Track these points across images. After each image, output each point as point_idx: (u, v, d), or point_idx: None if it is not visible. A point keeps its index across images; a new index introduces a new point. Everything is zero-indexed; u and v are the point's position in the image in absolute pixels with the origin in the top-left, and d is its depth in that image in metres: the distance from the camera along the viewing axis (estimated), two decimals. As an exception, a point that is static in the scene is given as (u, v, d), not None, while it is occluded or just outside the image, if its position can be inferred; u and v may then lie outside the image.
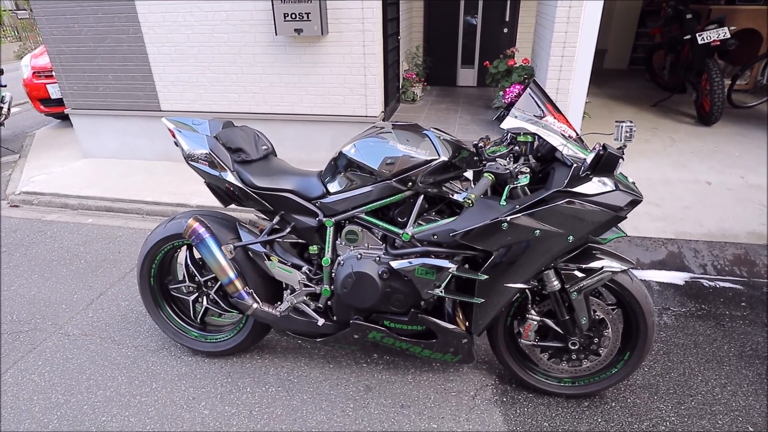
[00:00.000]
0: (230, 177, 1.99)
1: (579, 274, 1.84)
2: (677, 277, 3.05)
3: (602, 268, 1.81)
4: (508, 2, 6.28)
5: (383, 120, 4.70)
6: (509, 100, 4.28)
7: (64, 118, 6.46)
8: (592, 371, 2.05)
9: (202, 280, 2.27)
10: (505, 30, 6.42)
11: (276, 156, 2.25)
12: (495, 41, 6.51)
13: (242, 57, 4.37)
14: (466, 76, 6.88)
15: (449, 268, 1.77)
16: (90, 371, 2.36)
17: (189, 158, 2.03)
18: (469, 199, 1.52)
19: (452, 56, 6.79)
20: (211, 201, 4.01)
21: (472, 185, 1.87)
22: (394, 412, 2.10)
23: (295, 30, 3.99)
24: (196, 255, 2.28)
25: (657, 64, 7.06)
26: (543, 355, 2.07)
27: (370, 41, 4.10)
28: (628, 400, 2.13)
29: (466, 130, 4.71)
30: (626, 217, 1.68)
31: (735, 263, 3.15)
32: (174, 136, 2.06)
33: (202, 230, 2.02)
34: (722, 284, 2.98)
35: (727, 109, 5.41)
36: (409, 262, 1.81)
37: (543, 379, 2.11)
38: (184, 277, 2.33)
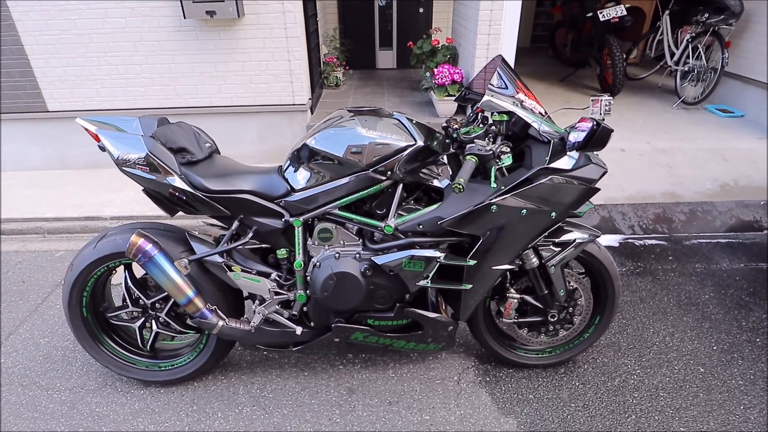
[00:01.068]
0: (177, 182, 1.72)
1: (554, 249, 1.87)
2: (613, 240, 3.30)
3: (574, 240, 1.86)
4: (422, -17, 6.28)
5: (311, 108, 4.48)
6: (441, 81, 4.29)
7: None
8: (567, 339, 2.13)
9: (148, 302, 1.98)
10: (421, 10, 6.42)
11: (219, 153, 2.01)
12: (412, 22, 6.49)
13: (145, 45, 3.87)
14: (386, 59, 6.81)
15: (438, 257, 1.70)
16: (17, 427, 1.96)
17: (122, 163, 1.72)
18: (459, 185, 1.45)
19: (370, 38, 6.66)
20: (130, 209, 3.59)
21: (449, 170, 1.81)
22: (383, 411, 2.02)
23: (207, 12, 3.61)
24: (137, 274, 1.98)
25: (559, 41, 7.55)
26: (522, 331, 2.10)
27: (292, 23, 3.83)
28: (598, 361, 2.25)
29: (405, 113, 4.66)
30: (600, 189, 1.73)
31: (656, 221, 3.48)
32: (98, 139, 1.73)
33: (149, 247, 1.74)
34: (650, 242, 3.28)
35: (624, 81, 5.94)
36: (395, 256, 1.71)
37: (523, 354, 2.16)
38: (124, 301, 2.01)
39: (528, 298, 1.99)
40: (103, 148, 1.77)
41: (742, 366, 2.22)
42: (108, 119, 1.81)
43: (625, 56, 6.00)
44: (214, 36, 3.86)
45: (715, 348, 2.32)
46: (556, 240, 1.87)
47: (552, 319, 2.02)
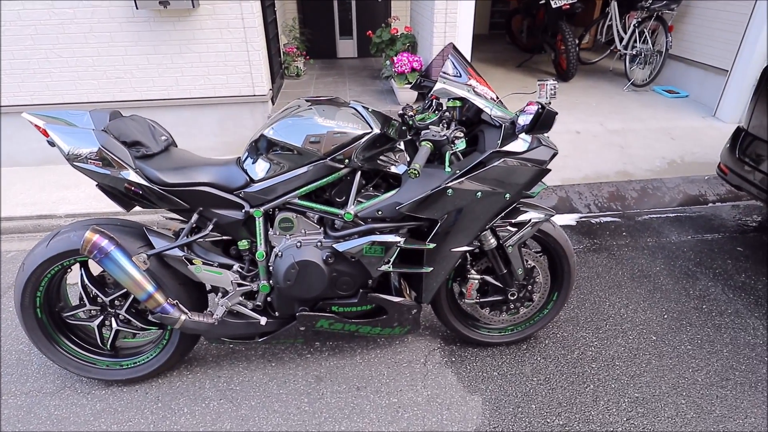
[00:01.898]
0: (132, 176, 1.69)
1: (511, 229, 1.94)
2: (570, 219, 3.43)
3: (530, 220, 1.93)
4: (379, -28, 6.26)
5: (272, 98, 4.42)
6: (400, 69, 4.31)
7: None
8: (528, 316, 2.22)
9: (107, 300, 1.94)
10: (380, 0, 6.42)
11: (176, 146, 1.97)
12: (371, 11, 6.48)
13: (96, 36, 3.72)
14: (346, 48, 6.77)
15: (398, 242, 1.74)
16: (-29, 437, 1.91)
17: (73, 159, 1.67)
18: (414, 170, 1.49)
19: (330, 27, 6.60)
20: (85, 206, 3.47)
21: (406, 156, 1.84)
22: (352, 396, 2.06)
23: (160, 3, 3.50)
24: (94, 271, 1.93)
25: (515, 28, 7.69)
26: (484, 310, 2.17)
27: (249, 13, 3.77)
28: (558, 335, 2.35)
29: (362, 102, 4.66)
30: (551, 170, 1.80)
31: (611, 200, 3.63)
32: (46, 134, 1.67)
33: (104, 242, 1.70)
34: (605, 219, 3.43)
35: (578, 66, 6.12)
36: (355, 243, 1.73)
37: (486, 333, 2.23)
38: (81, 300, 1.96)
39: (488, 278, 2.06)
40: (52, 144, 1.71)
41: (690, 332, 2.37)
42: (57, 113, 1.75)
43: (577, 42, 6.18)
44: (169, 27, 3.75)
45: (665, 317, 2.47)
46: (513, 221, 1.94)
47: (512, 298, 2.10)
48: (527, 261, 2.07)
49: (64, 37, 3.69)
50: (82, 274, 1.91)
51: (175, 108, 4.07)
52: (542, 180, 1.88)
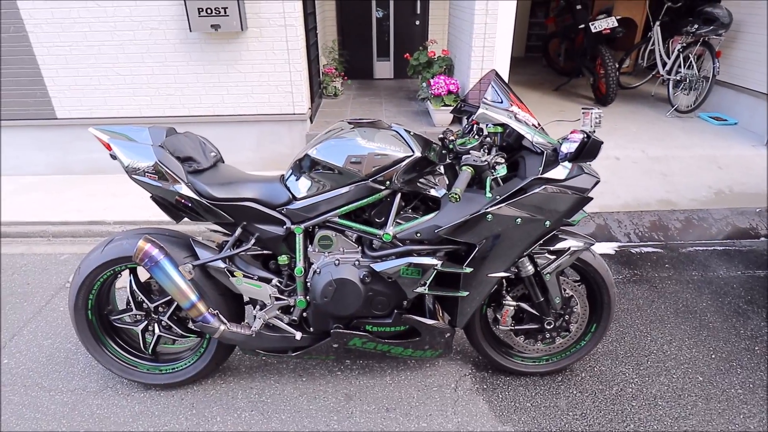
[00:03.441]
0: (184, 189, 1.77)
1: (550, 257, 1.92)
2: (609, 247, 3.34)
3: (569, 248, 1.90)
4: (418, -4, 6.40)
5: (311, 117, 4.55)
6: (437, 91, 4.36)
7: None
8: (564, 347, 2.16)
9: (151, 306, 2.02)
10: (417, 23, 6.54)
11: (224, 162, 2.06)
12: (408, 33, 6.61)
13: (152, 56, 3.95)
14: (383, 69, 6.91)
15: (435, 264, 1.75)
16: (20, 427, 2.00)
17: (132, 171, 1.77)
18: (455, 194, 1.50)
19: (368, 49, 6.77)
20: (132, 214, 3.63)
21: (446, 179, 1.86)
22: (381, 417, 2.05)
23: (212, 26, 3.69)
24: (142, 278, 2.03)
25: (553, 51, 7.67)
26: (519, 338, 2.13)
27: (293, 36, 3.92)
28: (595, 369, 2.28)
29: (396, 123, 4.73)
30: (593, 198, 1.78)
31: (652, 229, 3.53)
32: (109, 148, 1.79)
33: (155, 252, 1.79)
34: (646, 249, 3.32)
35: (618, 90, 6.02)
36: (393, 263, 1.75)
37: (520, 361, 2.19)
38: (128, 304, 2.05)
39: (524, 305, 2.03)
40: (114, 157, 1.82)
41: (741, 374, 2.23)
42: (119, 129, 1.87)
43: (617, 66, 6.10)
44: (218, 48, 3.95)
45: (713, 356, 2.35)
46: (551, 248, 1.91)
47: (548, 327, 2.05)
48: (565, 290, 2.04)
49: (124, 56, 3.95)
50: (130, 280, 2.01)
51: (218, 124, 4.26)
52: (583, 208, 1.86)
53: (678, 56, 5.39)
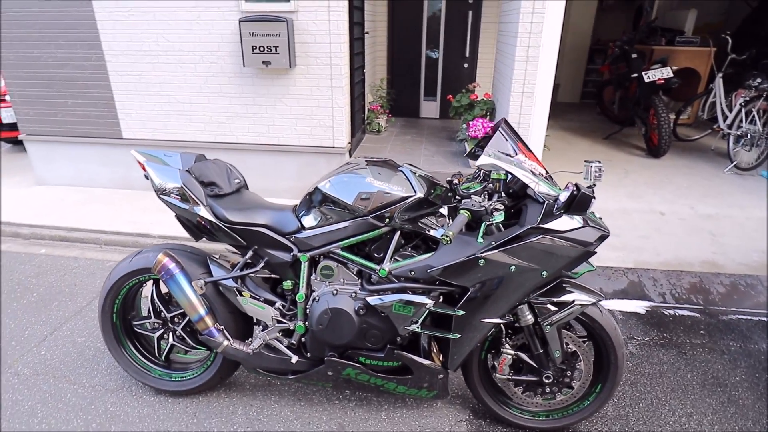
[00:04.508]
0: (203, 211, 1.94)
1: (551, 308, 1.87)
2: (639, 306, 3.17)
3: (573, 301, 1.86)
4: (468, 39, 6.56)
5: (350, 151, 4.74)
6: (473, 133, 4.43)
7: (17, 143, 6.16)
8: (565, 404, 2.08)
9: (168, 316, 2.18)
10: (466, 65, 6.69)
11: (248, 189, 2.22)
12: (456, 75, 6.76)
13: (209, 87, 4.34)
14: (429, 108, 7.07)
15: (426, 303, 1.77)
16: (42, 414, 2.19)
17: (160, 192, 1.97)
18: (446, 236, 1.54)
19: (415, 88, 6.98)
20: (175, 230, 3.92)
21: (447, 221, 1.90)
22: (370, 452, 2.05)
23: (263, 62, 4.01)
24: (163, 290, 2.19)
25: (607, 98, 7.54)
26: (517, 389, 2.08)
27: (337, 75, 4.16)
28: None
29: (432, 162, 4.81)
30: (596, 252, 1.75)
31: (691, 291, 3.32)
32: (144, 168, 2.00)
33: (172, 266, 1.95)
34: (681, 312, 3.12)
35: (673, 142, 5.80)
36: (386, 298, 1.80)
37: (518, 414, 2.12)
38: (149, 312, 2.22)
39: (522, 355, 1.99)
40: (147, 177, 2.03)
41: (764, 461, 2.05)
42: (156, 153, 2.09)
43: (674, 117, 5.90)
44: (268, 82, 4.26)
45: (737, 436, 2.16)
46: (555, 299, 1.88)
47: (547, 381, 1.99)
48: (568, 345, 1.97)
49: (186, 86, 4.36)
50: (152, 290, 2.19)
51: (262, 152, 4.54)
52: (588, 261, 1.82)
53: (740, 110, 5.15)
